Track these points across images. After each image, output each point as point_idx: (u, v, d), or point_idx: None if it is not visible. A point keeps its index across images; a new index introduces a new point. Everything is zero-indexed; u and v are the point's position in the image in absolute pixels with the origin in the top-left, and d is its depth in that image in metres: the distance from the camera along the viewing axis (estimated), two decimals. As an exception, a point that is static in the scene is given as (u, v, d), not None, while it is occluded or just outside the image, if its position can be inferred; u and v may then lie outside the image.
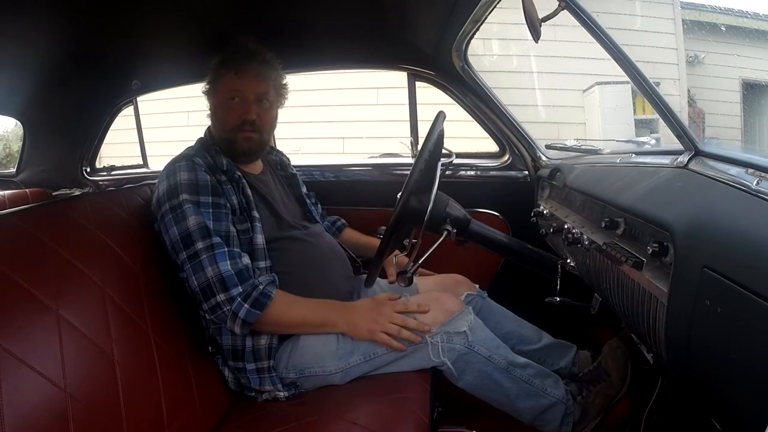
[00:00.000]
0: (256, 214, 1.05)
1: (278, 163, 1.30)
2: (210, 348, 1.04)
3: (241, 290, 0.94)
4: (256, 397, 1.03)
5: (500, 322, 1.22)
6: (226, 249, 0.96)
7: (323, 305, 1.02)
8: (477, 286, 1.28)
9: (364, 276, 1.13)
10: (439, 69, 1.55)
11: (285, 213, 1.15)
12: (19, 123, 1.82)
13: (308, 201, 1.29)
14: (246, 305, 0.94)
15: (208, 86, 1.12)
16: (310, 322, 1.00)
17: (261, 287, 0.96)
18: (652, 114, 3.85)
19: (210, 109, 1.12)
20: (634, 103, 3.78)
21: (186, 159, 1.02)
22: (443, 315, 1.01)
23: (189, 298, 1.05)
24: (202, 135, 1.15)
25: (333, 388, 1.01)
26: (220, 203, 1.00)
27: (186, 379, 0.94)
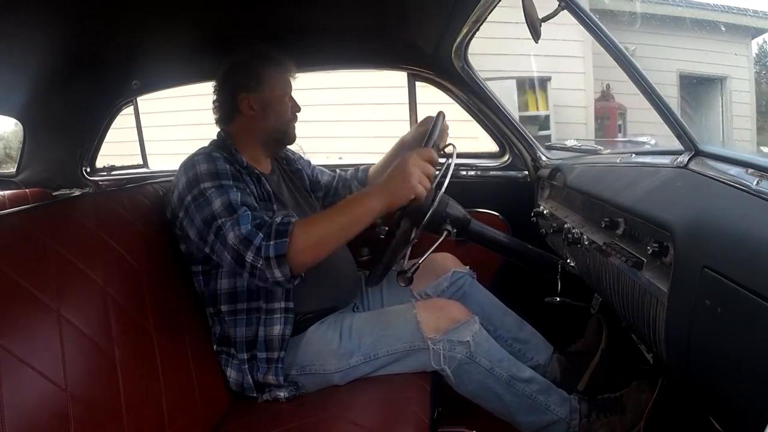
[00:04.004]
0: (275, 207, 1.07)
1: (283, 158, 1.30)
2: (215, 347, 1.04)
3: (261, 236, 0.91)
4: (257, 398, 1.03)
5: (484, 306, 1.24)
6: (249, 212, 0.94)
7: (348, 203, 0.97)
8: (467, 267, 1.30)
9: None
10: (439, 69, 1.55)
11: (294, 211, 1.15)
12: (18, 123, 1.82)
13: (313, 196, 1.30)
14: (271, 243, 0.91)
15: (251, 84, 1.10)
16: (345, 222, 0.94)
17: (278, 220, 0.94)
18: (546, 110, 3.74)
19: (253, 106, 1.11)
20: (527, 100, 3.73)
21: (203, 153, 1.03)
22: (447, 323, 1.00)
23: (193, 298, 1.05)
24: (215, 137, 1.14)
25: (333, 389, 1.02)
26: (241, 187, 1.00)
27: (188, 380, 0.94)
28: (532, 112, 3.71)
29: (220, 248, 0.93)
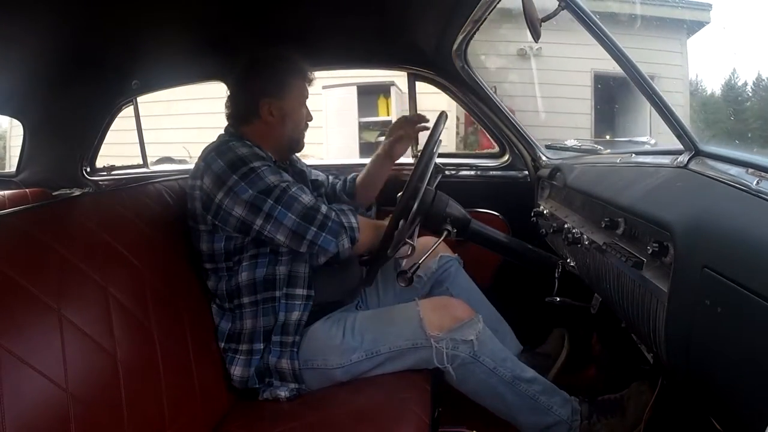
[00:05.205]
0: None
1: (287, 161, 1.30)
2: (223, 344, 1.04)
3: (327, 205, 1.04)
4: (258, 396, 1.03)
5: (465, 291, 1.27)
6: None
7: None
8: (456, 255, 1.34)
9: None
10: (439, 69, 1.55)
11: None
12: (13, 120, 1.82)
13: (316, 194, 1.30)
14: (342, 204, 1.06)
15: (275, 90, 1.10)
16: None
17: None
18: (387, 116, 3.77)
19: (273, 112, 1.10)
20: (377, 105, 3.78)
21: (235, 139, 1.06)
22: (451, 321, 1.01)
23: (196, 297, 1.06)
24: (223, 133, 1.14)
25: (333, 388, 1.02)
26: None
27: (189, 379, 0.94)
28: (372, 118, 3.74)
29: (282, 212, 0.98)
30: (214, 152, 1.02)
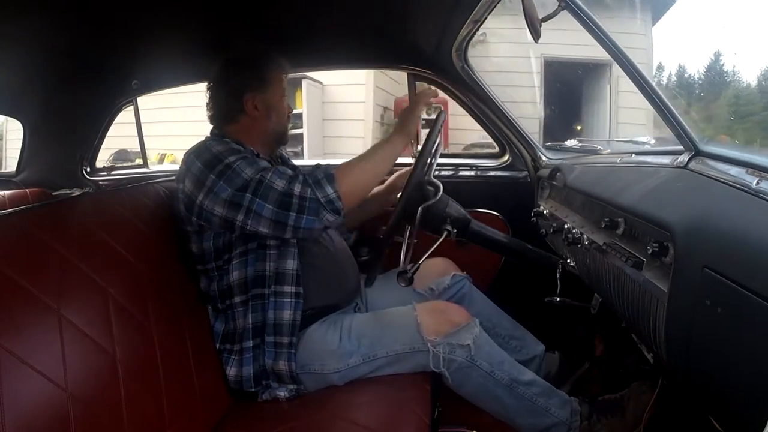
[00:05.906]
0: None
1: (278, 157, 1.30)
2: (218, 345, 1.04)
3: (305, 174, 0.99)
4: (257, 397, 1.03)
5: (482, 306, 1.28)
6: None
7: (373, 147, 1.10)
8: (465, 272, 1.35)
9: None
10: (439, 69, 1.55)
11: None
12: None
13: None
14: (318, 170, 0.99)
15: (257, 85, 1.11)
16: (377, 159, 1.06)
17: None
18: (300, 108, 3.75)
19: (258, 106, 1.11)
20: (294, 98, 3.77)
21: (213, 139, 1.06)
22: (447, 326, 1.01)
23: (194, 297, 1.06)
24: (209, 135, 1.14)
25: (333, 389, 1.02)
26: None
27: (188, 379, 0.94)
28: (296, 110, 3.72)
29: (260, 204, 0.95)
30: (193, 155, 1.02)
